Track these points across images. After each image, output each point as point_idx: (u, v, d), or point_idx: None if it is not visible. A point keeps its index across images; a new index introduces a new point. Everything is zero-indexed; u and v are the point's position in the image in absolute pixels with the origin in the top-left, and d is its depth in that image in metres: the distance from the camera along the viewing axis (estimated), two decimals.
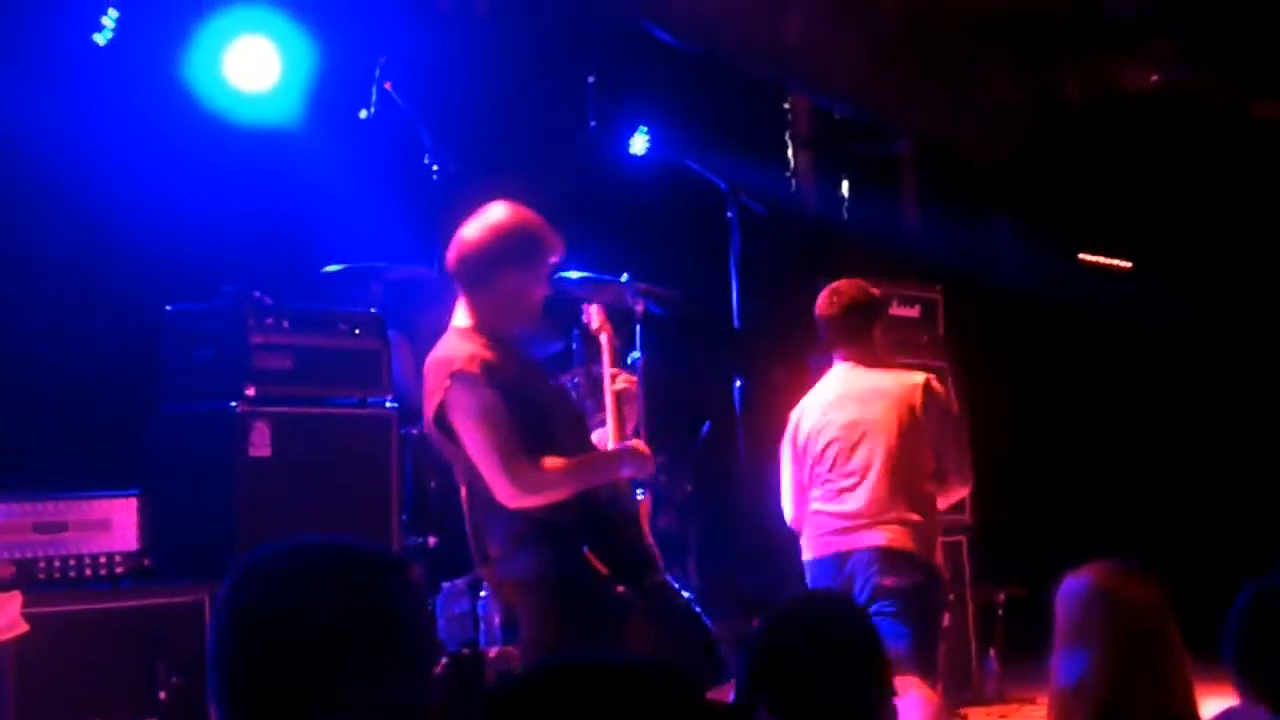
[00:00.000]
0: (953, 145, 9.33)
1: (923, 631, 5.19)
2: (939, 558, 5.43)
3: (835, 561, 5.29)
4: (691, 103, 8.01)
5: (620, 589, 4.28)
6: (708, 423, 6.89)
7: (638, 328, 5.76)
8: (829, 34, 7.56)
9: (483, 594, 5.38)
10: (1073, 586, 3.28)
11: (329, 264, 5.85)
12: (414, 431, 5.38)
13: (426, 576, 5.59)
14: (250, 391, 5.05)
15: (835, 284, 5.50)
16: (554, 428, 4.42)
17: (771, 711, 2.73)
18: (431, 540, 5.63)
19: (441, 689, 4.88)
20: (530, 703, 1.82)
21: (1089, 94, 9.28)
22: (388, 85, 5.96)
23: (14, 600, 4.35)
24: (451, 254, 4.46)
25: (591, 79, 7.20)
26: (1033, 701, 7.56)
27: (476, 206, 4.52)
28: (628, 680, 1.83)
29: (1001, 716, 7.61)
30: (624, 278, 5.80)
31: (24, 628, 4.34)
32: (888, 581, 5.18)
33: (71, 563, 4.62)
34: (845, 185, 9.35)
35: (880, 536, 5.23)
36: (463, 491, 4.47)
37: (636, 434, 4.81)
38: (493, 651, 5.22)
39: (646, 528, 4.57)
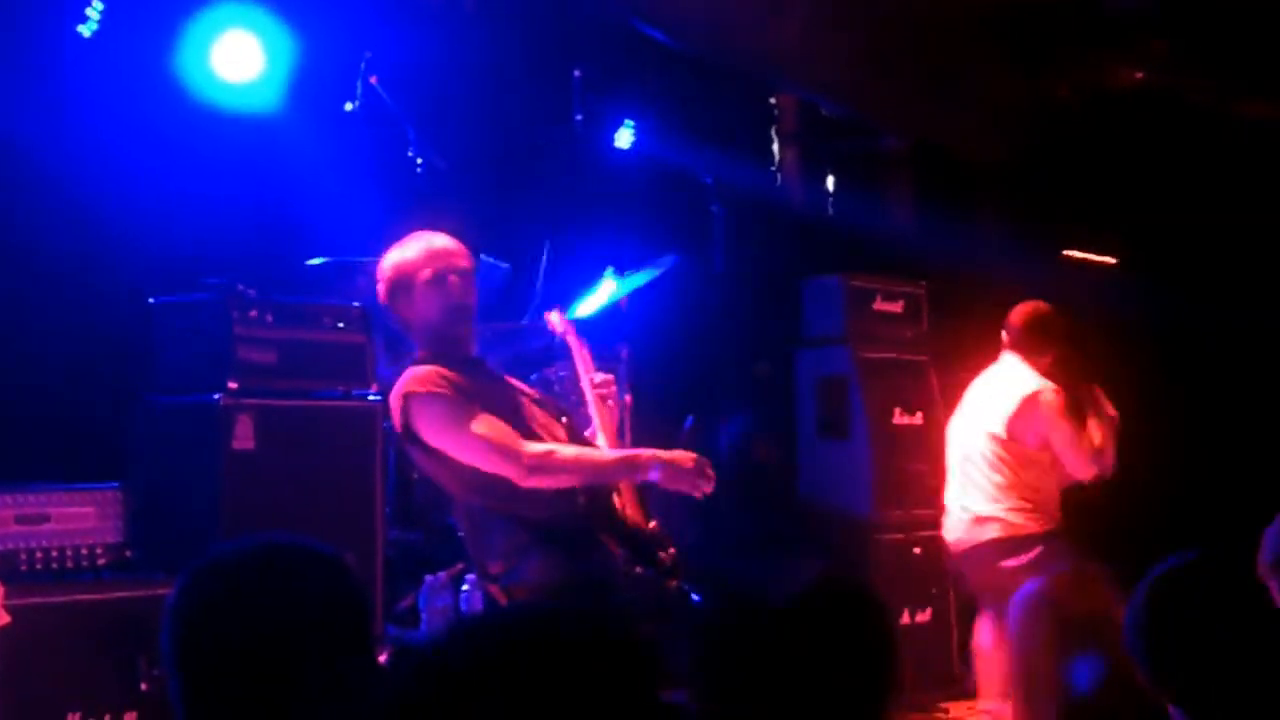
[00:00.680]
0: (949, 147, 9.33)
1: None
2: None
3: None
4: (677, 97, 8.01)
5: (639, 569, 4.32)
6: (690, 418, 6.90)
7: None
8: (822, 36, 7.55)
9: (465, 587, 5.38)
10: (1023, 595, 3.25)
11: (313, 257, 5.85)
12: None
13: (408, 569, 5.61)
14: (234, 384, 5.04)
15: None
16: (536, 432, 4.42)
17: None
18: (415, 534, 5.63)
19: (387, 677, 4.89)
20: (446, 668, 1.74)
21: (1081, 93, 9.28)
22: (373, 80, 5.96)
23: None
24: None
25: (577, 73, 7.20)
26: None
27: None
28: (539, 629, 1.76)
29: (984, 711, 7.62)
30: (609, 271, 5.81)
31: (5, 619, 4.33)
32: None
33: (54, 554, 4.62)
34: (831, 180, 9.36)
35: None
36: (460, 511, 4.48)
37: (622, 428, 4.81)
38: None
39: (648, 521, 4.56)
